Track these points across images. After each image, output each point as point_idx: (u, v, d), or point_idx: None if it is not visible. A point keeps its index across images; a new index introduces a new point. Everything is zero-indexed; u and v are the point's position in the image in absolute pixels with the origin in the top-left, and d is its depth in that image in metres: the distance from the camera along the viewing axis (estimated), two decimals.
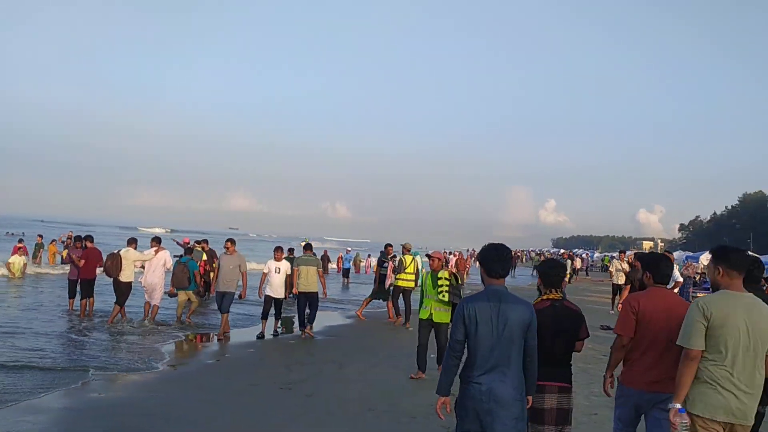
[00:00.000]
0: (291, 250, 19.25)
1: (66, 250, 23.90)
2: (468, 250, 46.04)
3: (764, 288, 5.64)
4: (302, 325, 11.82)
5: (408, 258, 13.69)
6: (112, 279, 12.26)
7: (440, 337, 8.49)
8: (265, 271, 11.81)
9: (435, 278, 8.47)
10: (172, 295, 12.78)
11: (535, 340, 3.78)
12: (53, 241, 27.02)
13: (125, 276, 12.23)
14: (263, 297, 11.73)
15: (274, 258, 11.81)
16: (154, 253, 12.58)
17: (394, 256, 14.98)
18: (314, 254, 12.39)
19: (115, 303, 12.24)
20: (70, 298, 13.39)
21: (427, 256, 9.54)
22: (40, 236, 26.48)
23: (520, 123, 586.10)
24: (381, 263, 15.29)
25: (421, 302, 8.67)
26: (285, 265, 11.84)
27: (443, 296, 8.33)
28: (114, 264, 12.15)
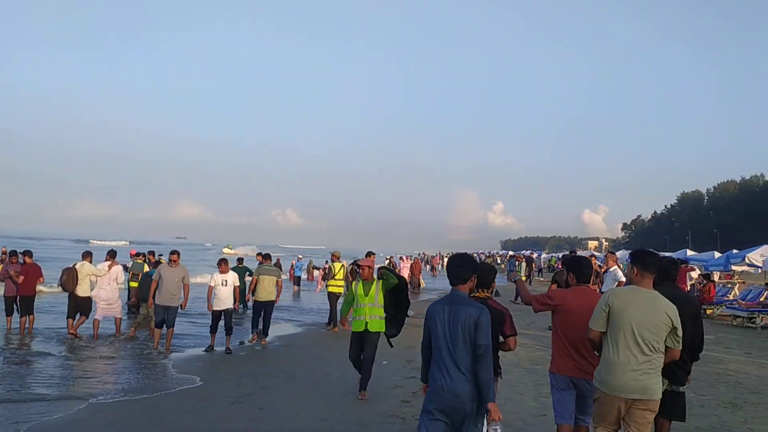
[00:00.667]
0: (240, 260, 19.04)
1: (1, 266, 22.92)
2: (419, 254, 46.36)
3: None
4: (254, 330, 12.54)
5: (337, 265, 15.04)
6: (68, 293, 12.25)
7: (368, 348, 7.96)
8: (211, 284, 11.57)
9: (367, 287, 8.07)
10: (131, 305, 12.82)
11: (486, 339, 3.94)
12: None
13: (82, 290, 12.26)
14: (211, 311, 11.53)
15: (219, 271, 11.57)
16: (107, 267, 12.61)
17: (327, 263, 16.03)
18: (273, 264, 13.25)
19: (81, 314, 12.30)
20: (7, 315, 12.82)
21: (356, 264, 8.82)
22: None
23: (462, 126, 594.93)
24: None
25: (354, 313, 8.16)
26: (232, 277, 11.68)
27: (379, 307, 8.00)
28: (70, 278, 12.13)
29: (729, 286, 22.37)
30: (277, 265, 30.22)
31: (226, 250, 55.69)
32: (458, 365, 3.90)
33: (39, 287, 13.04)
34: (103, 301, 12.42)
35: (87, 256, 12.85)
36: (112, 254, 13.07)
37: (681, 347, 4.30)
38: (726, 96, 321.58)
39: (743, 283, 23.91)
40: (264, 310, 12.30)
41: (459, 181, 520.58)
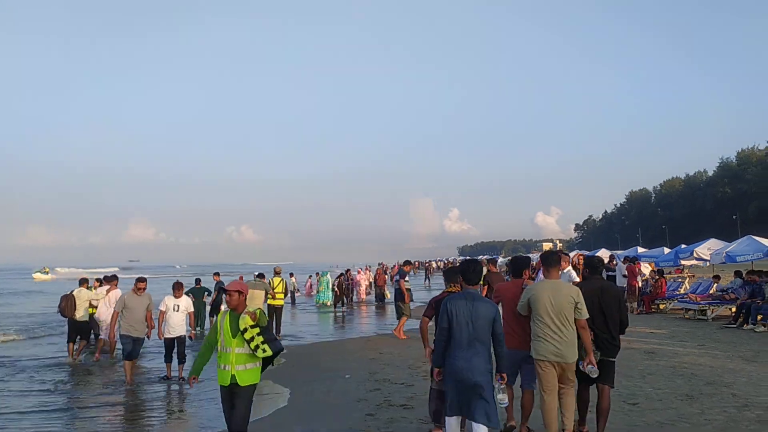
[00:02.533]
0: (198, 281, 18.69)
1: None
2: (380, 265, 46.38)
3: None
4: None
5: (276, 279, 16.55)
6: (67, 319, 12.99)
7: (243, 413, 5.47)
8: (162, 309, 10.76)
9: (235, 321, 5.52)
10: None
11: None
12: None
13: (80, 315, 13.03)
14: (162, 338, 10.80)
15: (174, 295, 10.94)
16: (105, 292, 13.27)
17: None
18: (264, 281, 15.24)
19: (81, 338, 13.14)
20: None
21: (221, 290, 6.00)
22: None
23: (416, 133, 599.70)
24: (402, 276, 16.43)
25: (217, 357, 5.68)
26: (185, 302, 11.05)
27: (261, 350, 5.43)
28: (68, 304, 12.93)
29: (680, 280, 23.06)
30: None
31: (38, 276, 45.79)
32: (477, 348, 5.24)
33: None
34: (103, 322, 12.90)
35: (83, 283, 13.82)
36: (111, 278, 13.79)
37: (586, 317, 5.71)
38: (669, 93, 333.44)
39: (693, 276, 24.68)
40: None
41: (414, 189, 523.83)
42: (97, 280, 16.01)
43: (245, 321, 5.45)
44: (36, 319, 21.97)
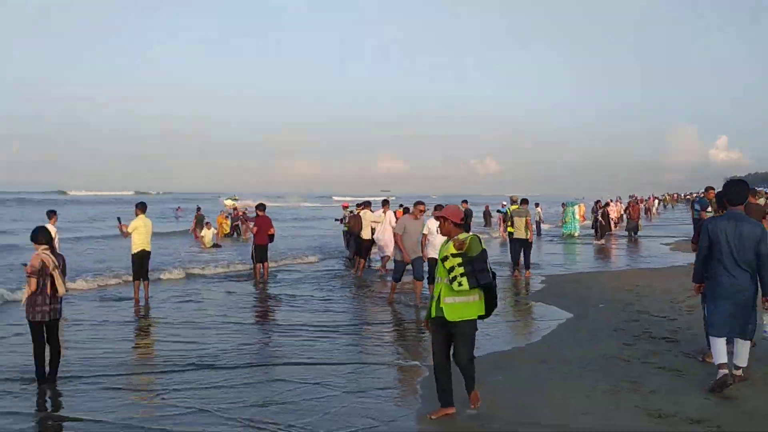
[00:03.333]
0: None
1: (232, 222, 26.21)
2: (632, 197, 43.27)
3: None
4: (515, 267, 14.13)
5: (513, 207, 15.37)
6: (354, 235, 15.48)
7: (459, 348, 5.16)
8: (425, 232, 10.88)
9: (444, 250, 5.20)
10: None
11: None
12: (221, 212, 29.37)
13: (365, 234, 15.25)
14: (426, 259, 10.79)
15: (435, 217, 11.18)
16: (383, 213, 15.00)
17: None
18: (526, 208, 14.87)
19: (360, 257, 15.29)
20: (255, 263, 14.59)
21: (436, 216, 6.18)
22: (199, 208, 28.44)
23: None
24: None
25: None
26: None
27: (458, 282, 4.95)
28: (356, 223, 15.46)
29: None
30: (487, 212, 31.33)
31: (229, 202, 51.12)
32: (742, 267, 5.40)
33: None
34: (380, 241, 14.64)
35: (367, 205, 15.99)
36: (385, 202, 15.49)
37: None
38: None
39: None
40: (523, 248, 14.02)
41: (674, 117, 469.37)
42: (357, 205, 17.75)
43: (448, 248, 5.10)
44: (313, 242, 25.12)
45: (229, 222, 26.67)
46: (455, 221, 5.21)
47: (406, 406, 5.74)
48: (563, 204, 29.81)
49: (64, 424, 5.39)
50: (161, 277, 13.97)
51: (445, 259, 5.06)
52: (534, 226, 20.21)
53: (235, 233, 26.31)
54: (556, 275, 14.63)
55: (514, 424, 5.05)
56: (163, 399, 5.88)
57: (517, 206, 14.86)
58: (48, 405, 5.89)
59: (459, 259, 4.97)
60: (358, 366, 7.00)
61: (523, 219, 14.10)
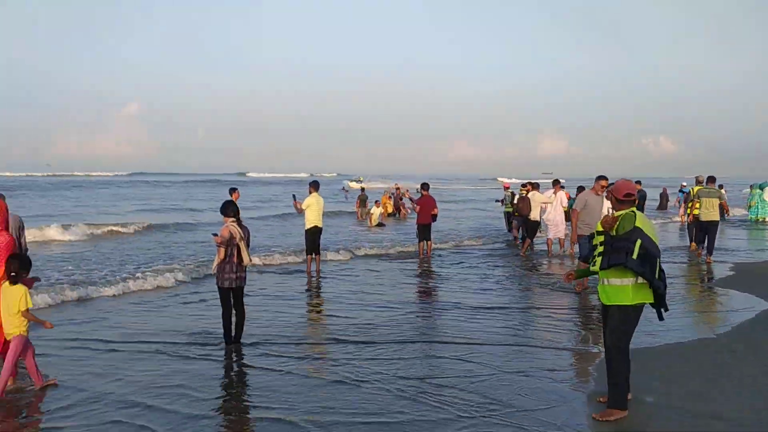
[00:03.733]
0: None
1: (395, 202, 27.01)
2: None
3: None
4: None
5: (697, 188, 13.73)
6: (523, 216, 15.50)
7: (606, 335, 4.93)
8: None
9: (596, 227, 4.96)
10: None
11: None
12: (385, 192, 30.39)
13: (533, 215, 15.20)
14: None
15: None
16: (553, 194, 15.17)
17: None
18: (715, 187, 13.71)
19: (527, 237, 15.39)
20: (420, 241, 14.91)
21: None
22: (363, 189, 29.92)
23: None
24: None
25: None
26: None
27: (593, 262, 4.83)
28: (525, 205, 15.24)
29: None
30: (664, 194, 29.18)
31: (353, 185, 53.74)
32: None
33: None
34: (550, 222, 15.01)
35: (536, 186, 15.75)
36: (555, 182, 15.58)
37: None
38: None
39: None
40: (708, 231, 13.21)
41: None
42: (522, 186, 17.36)
43: (597, 225, 4.87)
44: (473, 224, 25.07)
45: (392, 202, 27.52)
46: (617, 196, 4.87)
47: (575, 388, 5.56)
48: (750, 186, 27.05)
49: (247, 378, 5.94)
50: (329, 257, 14.43)
51: (591, 237, 4.97)
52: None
53: (397, 213, 27.19)
54: (746, 263, 13.36)
55: (689, 415, 4.78)
56: (327, 367, 6.23)
57: (701, 186, 13.71)
58: (234, 364, 6.49)
59: (602, 238, 4.77)
60: (518, 347, 6.89)
61: (714, 199, 13.11)
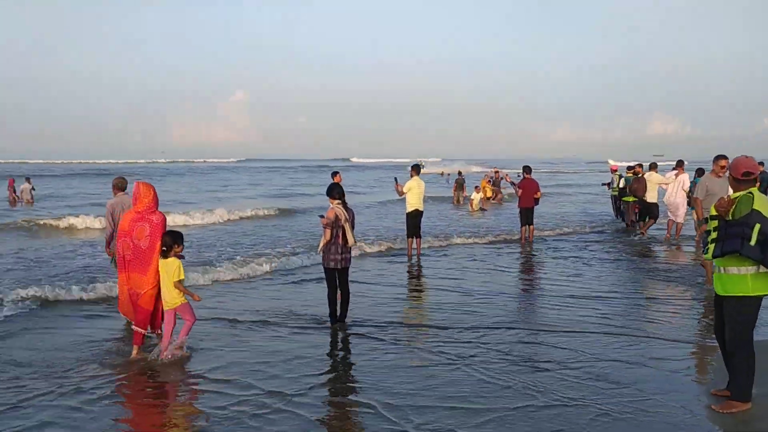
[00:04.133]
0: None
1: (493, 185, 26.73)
2: None
3: None
4: None
5: None
6: (639, 198, 15.01)
7: (725, 329, 4.58)
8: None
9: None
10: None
11: None
12: (485, 176, 30.07)
13: (650, 197, 14.80)
14: None
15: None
16: (674, 176, 14.41)
17: None
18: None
19: (651, 218, 14.86)
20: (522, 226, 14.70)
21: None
22: (460, 172, 29.96)
23: None
24: None
25: None
26: None
27: (705, 250, 4.60)
28: (641, 185, 14.82)
29: None
30: None
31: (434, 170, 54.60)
32: None
33: None
34: (670, 204, 14.36)
35: (653, 167, 15.11)
36: (679, 164, 14.64)
37: None
38: None
39: None
40: None
41: None
42: (628, 168, 16.64)
43: (711, 208, 4.55)
44: (577, 209, 24.19)
45: (491, 186, 27.22)
46: (734, 175, 4.49)
47: (694, 380, 5.33)
48: None
49: (350, 358, 6.17)
50: (430, 243, 14.34)
51: (704, 221, 4.70)
52: None
53: (494, 197, 26.87)
54: None
55: None
56: (425, 350, 6.33)
57: None
58: (339, 344, 6.75)
59: (716, 222, 4.41)
60: (624, 336, 6.68)
61: None
